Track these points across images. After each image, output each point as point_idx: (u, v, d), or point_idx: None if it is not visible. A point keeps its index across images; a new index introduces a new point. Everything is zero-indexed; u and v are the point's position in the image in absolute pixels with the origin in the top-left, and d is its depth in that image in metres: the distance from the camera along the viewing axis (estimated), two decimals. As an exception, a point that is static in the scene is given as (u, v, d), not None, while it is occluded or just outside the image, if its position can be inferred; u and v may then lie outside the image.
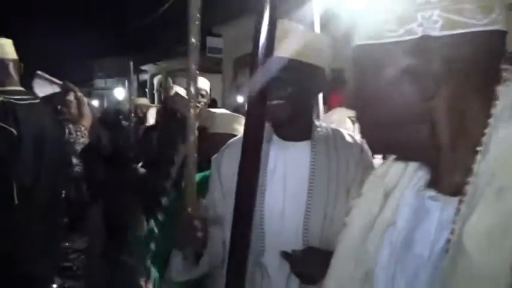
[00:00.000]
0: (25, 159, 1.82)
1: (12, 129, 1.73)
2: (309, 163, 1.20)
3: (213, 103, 8.48)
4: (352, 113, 6.38)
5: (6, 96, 1.77)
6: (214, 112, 1.92)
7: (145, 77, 18.92)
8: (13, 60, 1.85)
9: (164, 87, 15.90)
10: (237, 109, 4.27)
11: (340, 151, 1.23)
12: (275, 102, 1.14)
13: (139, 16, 16.64)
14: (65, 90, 2.65)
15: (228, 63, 10.70)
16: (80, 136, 2.78)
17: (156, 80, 18.06)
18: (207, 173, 1.66)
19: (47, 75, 2.70)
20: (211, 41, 10.58)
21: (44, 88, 2.69)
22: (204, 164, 1.68)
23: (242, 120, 1.76)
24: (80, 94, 2.68)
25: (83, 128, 2.91)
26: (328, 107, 3.26)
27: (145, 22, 16.32)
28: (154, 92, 18.09)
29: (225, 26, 10.58)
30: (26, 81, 1.99)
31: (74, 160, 2.14)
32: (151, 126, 3.58)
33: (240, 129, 1.76)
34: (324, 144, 1.23)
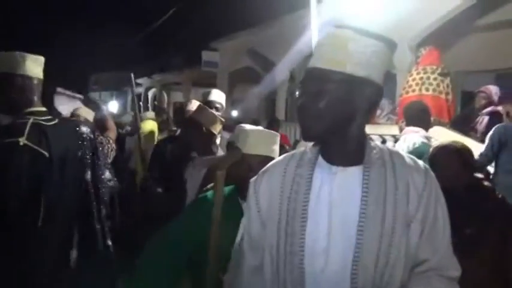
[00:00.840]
0: (55, 181, 1.77)
1: (45, 152, 1.70)
2: (361, 192, 0.99)
3: (274, 122, 8.16)
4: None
5: (36, 118, 1.73)
6: (247, 129, 1.65)
7: (139, 90, 18.92)
8: (40, 80, 1.82)
9: (159, 99, 15.93)
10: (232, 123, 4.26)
11: (399, 178, 1.01)
12: (307, 116, 1.00)
13: (135, 31, 16.73)
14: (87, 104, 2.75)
15: (223, 77, 10.76)
16: (110, 149, 2.81)
17: (150, 93, 18.09)
18: (226, 189, 1.55)
19: (67, 91, 2.76)
20: (207, 55, 10.64)
21: (63, 103, 2.77)
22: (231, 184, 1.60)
23: (278, 139, 1.64)
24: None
25: (111, 141, 2.95)
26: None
27: (140, 36, 16.40)
28: (149, 104, 18.10)
29: (221, 41, 10.67)
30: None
31: (107, 174, 2.06)
32: (166, 139, 3.41)
33: (277, 150, 1.61)
34: (380, 169, 1.01)
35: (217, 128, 2.46)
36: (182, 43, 12.64)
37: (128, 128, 5.57)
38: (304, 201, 1.02)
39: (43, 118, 1.76)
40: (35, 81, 1.78)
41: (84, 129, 1.93)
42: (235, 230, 1.21)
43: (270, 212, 1.08)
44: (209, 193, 1.60)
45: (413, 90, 4.35)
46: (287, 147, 5.46)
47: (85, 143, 1.89)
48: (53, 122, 1.81)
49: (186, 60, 12.70)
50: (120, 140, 5.10)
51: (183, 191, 2.21)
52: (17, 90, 1.73)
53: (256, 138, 1.59)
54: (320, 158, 1.06)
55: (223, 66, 10.78)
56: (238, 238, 1.19)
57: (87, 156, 1.91)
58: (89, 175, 1.91)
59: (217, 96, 3.07)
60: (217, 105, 3.01)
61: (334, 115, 0.99)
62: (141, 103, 18.17)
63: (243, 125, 1.88)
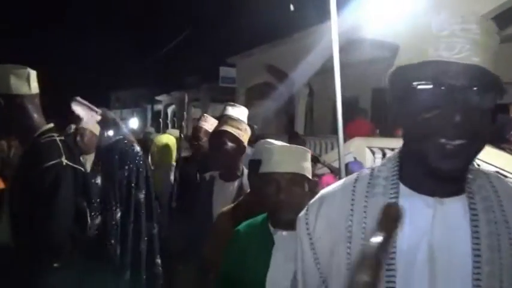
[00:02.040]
0: (93, 194, 1.86)
1: (81, 168, 1.68)
2: (470, 233, 0.72)
3: (294, 136, 7.79)
4: (371, 142, 6.13)
5: (55, 135, 1.65)
6: (273, 146, 1.46)
7: (159, 107, 19.16)
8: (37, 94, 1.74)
9: (178, 116, 16.04)
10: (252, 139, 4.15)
11: (508, 209, 0.75)
12: (457, 142, 0.67)
13: (155, 49, 17.05)
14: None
15: (240, 92, 10.77)
16: None
17: (170, 110, 18.28)
18: (257, 219, 1.43)
19: (85, 101, 2.73)
20: (224, 71, 10.69)
21: (81, 112, 2.74)
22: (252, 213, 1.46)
23: (309, 155, 1.43)
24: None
25: None
26: (345, 136, 3.03)
27: (159, 55, 16.67)
28: (168, 121, 18.28)
29: (238, 57, 10.71)
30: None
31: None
32: (187, 158, 3.25)
33: (309, 167, 1.39)
34: (484, 199, 0.75)
35: (240, 133, 2.11)
36: (200, 60, 12.76)
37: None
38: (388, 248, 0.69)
39: (59, 134, 1.71)
40: (37, 97, 1.71)
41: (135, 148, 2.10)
42: (267, 262, 1.11)
43: (332, 261, 0.79)
44: (241, 225, 1.47)
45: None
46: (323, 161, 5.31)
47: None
48: (66, 138, 1.78)
49: (203, 77, 12.79)
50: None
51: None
52: (26, 111, 1.68)
53: (283, 154, 1.37)
54: (402, 186, 0.77)
55: (240, 81, 10.80)
56: (271, 280, 1.10)
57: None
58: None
59: (234, 111, 2.57)
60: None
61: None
62: (160, 119, 18.40)
63: (266, 140, 1.73)
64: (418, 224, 0.74)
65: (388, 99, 0.77)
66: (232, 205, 1.78)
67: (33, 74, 1.66)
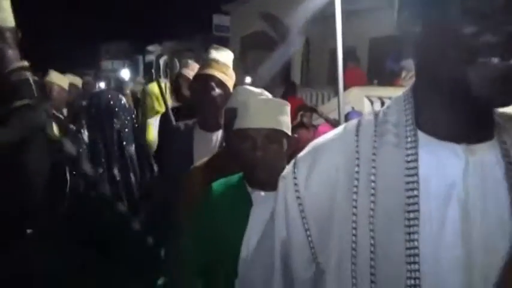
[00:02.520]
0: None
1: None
2: (507, 184, 0.61)
3: (291, 87, 7.60)
4: (369, 91, 6.01)
5: (28, 74, 1.48)
6: (247, 100, 1.29)
7: (151, 57, 18.69)
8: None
9: (170, 67, 15.69)
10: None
11: None
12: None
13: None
14: None
15: (235, 42, 10.43)
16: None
17: (162, 61, 17.85)
18: (232, 178, 1.31)
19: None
20: (218, 19, 10.30)
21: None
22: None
23: (288, 109, 1.29)
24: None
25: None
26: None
27: (147, 2, 15.96)
28: (161, 73, 17.90)
29: (233, 4, 10.27)
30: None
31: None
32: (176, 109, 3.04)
33: (287, 122, 1.26)
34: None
35: (213, 72, 1.85)
36: (193, 7, 12.24)
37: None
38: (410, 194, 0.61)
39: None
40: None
41: None
42: (244, 223, 1.05)
43: (330, 232, 0.65)
44: (215, 183, 1.33)
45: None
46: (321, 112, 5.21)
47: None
48: None
49: (196, 26, 12.35)
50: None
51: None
52: None
53: (260, 107, 1.24)
54: (420, 132, 0.63)
55: (234, 30, 10.43)
56: (248, 244, 1.02)
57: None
58: None
59: (219, 54, 2.21)
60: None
61: None
62: (153, 71, 17.98)
63: (244, 87, 1.48)
64: (447, 180, 0.61)
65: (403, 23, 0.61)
66: (206, 159, 1.59)
67: (5, 2, 1.48)
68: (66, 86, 2.79)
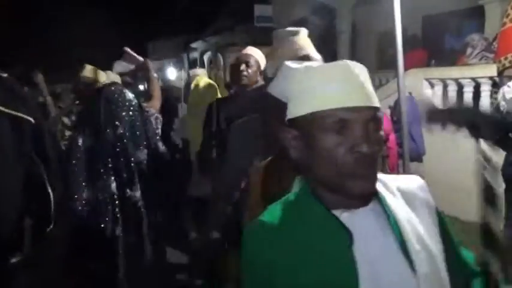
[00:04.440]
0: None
1: (30, 118, 1.40)
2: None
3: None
4: (429, 73, 5.55)
5: None
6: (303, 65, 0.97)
7: (195, 55, 18.84)
8: None
9: (214, 62, 15.74)
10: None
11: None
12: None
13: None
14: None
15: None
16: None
17: (206, 57, 17.93)
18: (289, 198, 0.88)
19: (132, 52, 2.55)
20: (259, 9, 10.06)
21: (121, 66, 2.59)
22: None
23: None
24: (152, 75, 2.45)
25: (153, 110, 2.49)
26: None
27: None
28: (205, 69, 17.98)
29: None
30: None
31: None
32: (221, 99, 2.81)
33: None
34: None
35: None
36: None
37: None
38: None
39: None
40: None
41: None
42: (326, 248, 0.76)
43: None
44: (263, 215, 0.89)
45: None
46: None
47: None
48: None
49: (238, 18, 12.18)
50: (170, 108, 4.82)
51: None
52: None
53: (350, 75, 0.81)
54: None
55: (278, 20, 10.15)
56: None
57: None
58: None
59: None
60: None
61: None
62: (197, 67, 18.10)
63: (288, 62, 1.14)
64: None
65: None
66: (264, 163, 1.24)
67: None
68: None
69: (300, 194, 0.86)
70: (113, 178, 1.74)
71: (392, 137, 4.10)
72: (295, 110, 0.83)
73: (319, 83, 0.80)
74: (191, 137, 3.82)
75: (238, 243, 0.88)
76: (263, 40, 2.68)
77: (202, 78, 4.37)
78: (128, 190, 1.77)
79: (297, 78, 0.85)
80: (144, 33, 20.38)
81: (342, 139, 0.77)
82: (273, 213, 0.85)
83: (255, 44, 2.76)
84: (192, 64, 18.89)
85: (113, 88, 1.84)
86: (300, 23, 9.68)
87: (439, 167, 4.37)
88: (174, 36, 18.92)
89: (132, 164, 1.78)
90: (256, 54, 2.48)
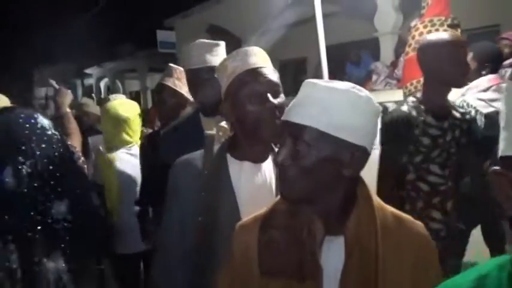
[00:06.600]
0: None
1: None
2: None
3: None
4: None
5: None
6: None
7: (90, 81, 17.62)
8: None
9: (113, 90, 14.82)
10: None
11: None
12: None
13: (78, 13, 15.28)
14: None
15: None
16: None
17: (102, 84, 16.85)
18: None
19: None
20: (162, 35, 9.73)
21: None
22: None
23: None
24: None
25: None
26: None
27: (82, 22, 14.97)
28: (102, 96, 16.84)
29: (177, 17, 9.75)
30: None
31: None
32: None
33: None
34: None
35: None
36: (133, 23, 11.55)
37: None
38: None
39: None
40: None
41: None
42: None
43: None
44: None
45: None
46: None
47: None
48: None
49: (138, 44, 11.66)
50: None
51: None
52: None
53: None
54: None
55: (181, 46, 9.89)
56: None
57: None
58: None
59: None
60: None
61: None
62: (93, 95, 16.85)
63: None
64: None
65: None
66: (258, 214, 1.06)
67: None
68: None
69: None
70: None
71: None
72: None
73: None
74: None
75: None
76: (165, 67, 2.41)
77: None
78: (44, 259, 1.12)
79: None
80: (30, 58, 18.51)
81: None
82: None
83: (157, 71, 2.48)
84: (87, 90, 17.59)
85: (17, 111, 1.22)
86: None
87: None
88: (65, 61, 17.49)
89: (48, 221, 1.17)
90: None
